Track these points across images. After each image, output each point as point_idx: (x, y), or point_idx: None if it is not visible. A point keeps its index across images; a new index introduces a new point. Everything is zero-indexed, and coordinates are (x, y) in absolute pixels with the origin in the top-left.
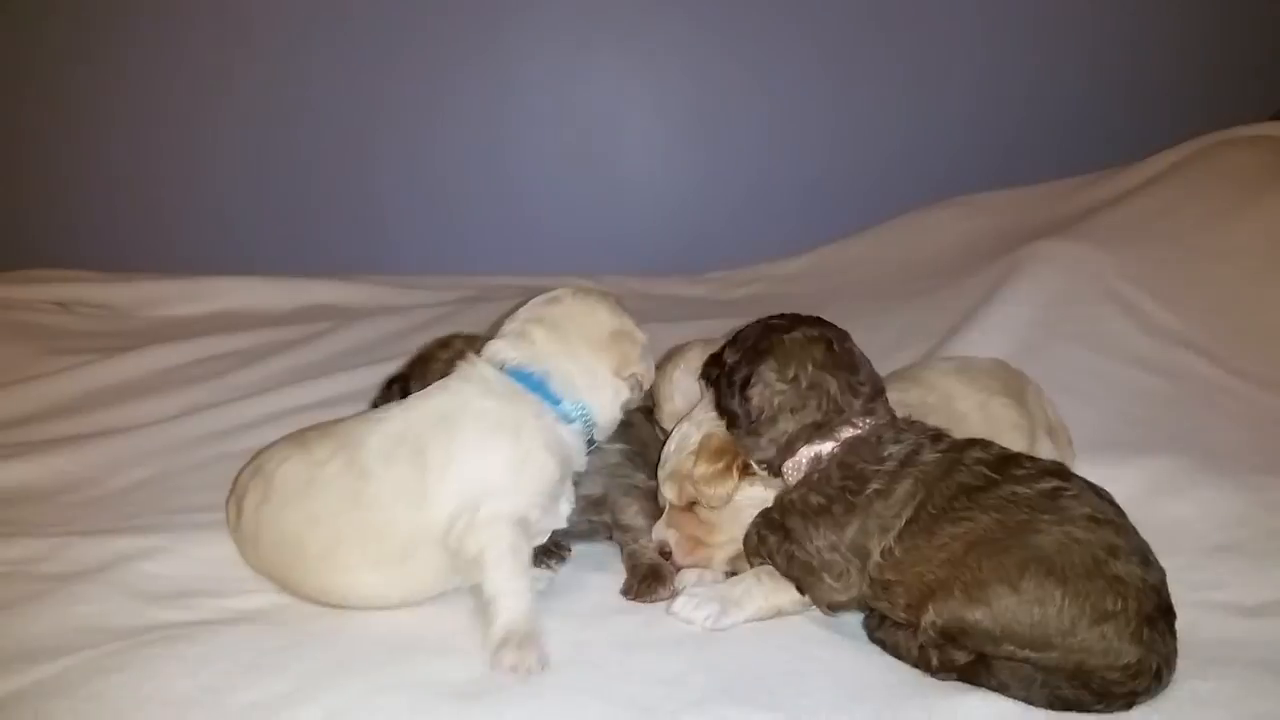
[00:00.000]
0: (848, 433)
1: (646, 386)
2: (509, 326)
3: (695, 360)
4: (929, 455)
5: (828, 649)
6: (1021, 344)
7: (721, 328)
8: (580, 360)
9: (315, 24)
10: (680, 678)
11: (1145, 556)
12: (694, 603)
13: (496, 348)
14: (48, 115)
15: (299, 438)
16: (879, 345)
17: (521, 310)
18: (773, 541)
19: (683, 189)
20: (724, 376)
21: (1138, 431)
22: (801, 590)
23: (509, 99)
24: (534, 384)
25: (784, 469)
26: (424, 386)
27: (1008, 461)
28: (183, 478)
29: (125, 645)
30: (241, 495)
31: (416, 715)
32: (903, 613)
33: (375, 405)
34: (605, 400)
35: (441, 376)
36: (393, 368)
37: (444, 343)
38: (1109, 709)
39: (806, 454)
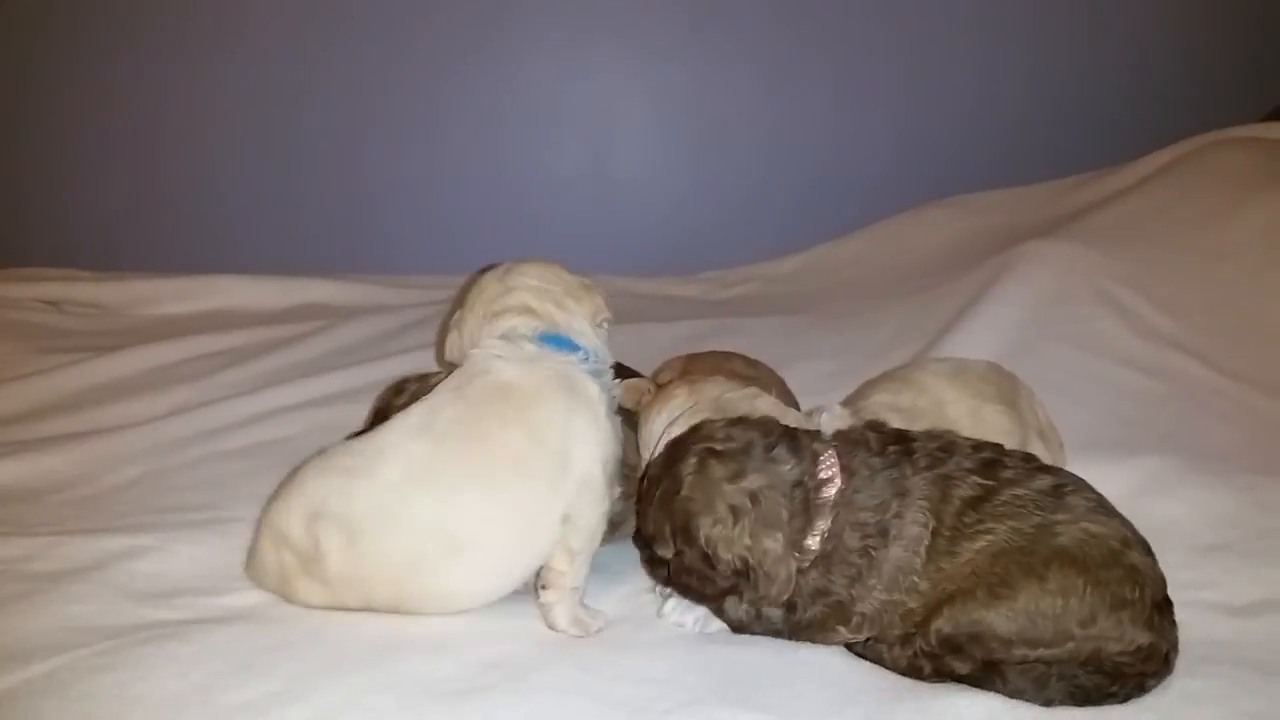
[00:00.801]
0: (828, 492)
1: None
2: (494, 307)
3: (678, 408)
4: (917, 480)
5: (818, 652)
6: (1013, 344)
7: (714, 328)
8: (570, 312)
9: (308, 20)
10: (672, 679)
11: (1147, 546)
12: (685, 605)
13: (511, 323)
14: (39, 114)
15: (334, 469)
16: (873, 345)
17: (495, 285)
18: (768, 624)
19: (676, 188)
20: (684, 574)
21: (1129, 431)
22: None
23: (502, 97)
24: (563, 343)
25: (800, 565)
26: None
27: (990, 466)
28: (174, 476)
29: (116, 644)
30: (309, 554)
31: (406, 714)
32: (903, 630)
33: None
34: (599, 345)
35: None
36: (388, 366)
37: (397, 389)
38: (1122, 691)
39: (816, 531)
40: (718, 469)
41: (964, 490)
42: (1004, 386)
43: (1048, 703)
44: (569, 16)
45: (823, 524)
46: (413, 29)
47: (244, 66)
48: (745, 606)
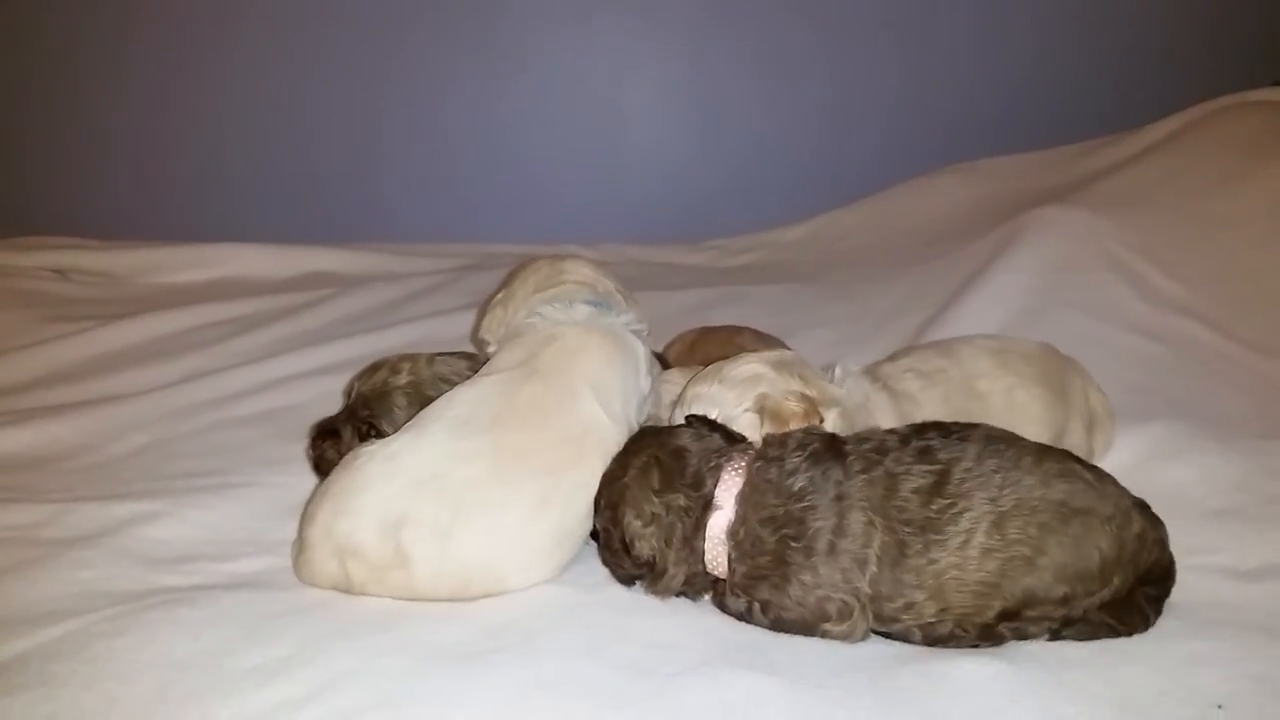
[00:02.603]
0: (725, 496)
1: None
2: (562, 279)
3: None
4: (853, 479)
5: None
6: (1022, 311)
7: (720, 296)
8: (611, 297)
9: None
10: (678, 642)
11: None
12: None
13: (561, 294)
14: (45, 82)
15: (402, 474)
16: (880, 312)
17: (530, 278)
18: (759, 618)
19: (682, 157)
20: (605, 549)
21: (1138, 398)
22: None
23: (508, 66)
24: (607, 307)
25: (710, 570)
26: (391, 419)
27: (926, 452)
28: (183, 443)
29: (126, 610)
30: (388, 563)
31: (416, 678)
32: (929, 619)
33: (318, 449)
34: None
35: (408, 400)
36: (396, 334)
37: (393, 369)
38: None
39: (712, 543)
40: (655, 477)
41: (915, 482)
42: (1049, 369)
43: (1129, 631)
44: None
45: (718, 519)
46: (423, 2)
47: (252, 34)
48: (743, 600)
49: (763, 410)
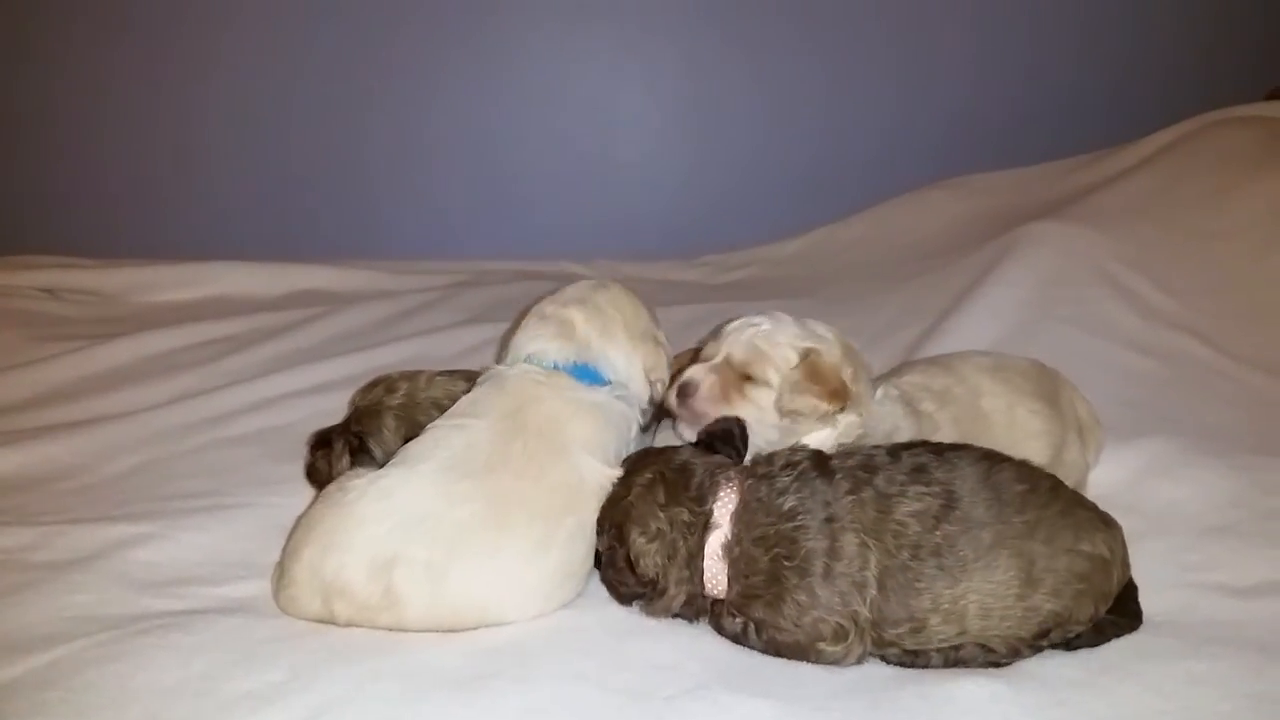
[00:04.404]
0: (722, 515)
1: (658, 399)
2: (548, 310)
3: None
4: (841, 500)
5: None
6: (1015, 325)
7: (714, 312)
8: (618, 345)
9: (305, 7)
10: (675, 665)
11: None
12: None
13: (542, 352)
14: (36, 99)
15: (395, 513)
16: (875, 327)
17: (563, 292)
18: (754, 640)
19: (676, 172)
20: (609, 568)
21: (1132, 413)
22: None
23: (501, 81)
24: (586, 374)
25: (708, 591)
26: (380, 439)
27: (918, 472)
28: (175, 464)
29: (118, 634)
30: (376, 603)
31: (410, 704)
32: (945, 641)
33: (311, 457)
34: (636, 381)
35: (397, 422)
36: (388, 351)
37: (389, 387)
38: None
39: (710, 562)
40: (660, 492)
41: (913, 504)
42: (1044, 384)
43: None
44: (566, 2)
45: (714, 539)
46: (411, 15)
47: (240, 51)
48: (739, 620)
49: (806, 357)
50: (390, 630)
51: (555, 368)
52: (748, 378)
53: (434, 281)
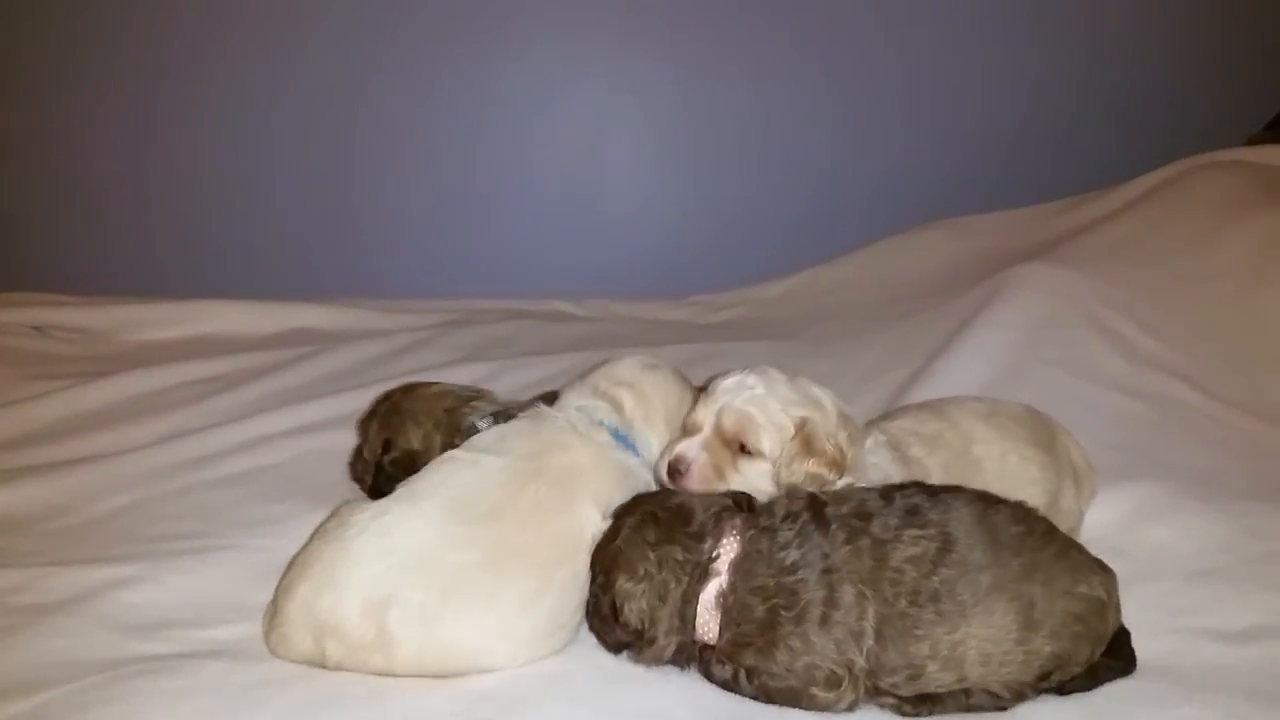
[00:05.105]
0: (722, 561)
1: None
2: (601, 385)
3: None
4: (838, 550)
5: None
6: (1004, 368)
7: (703, 352)
8: (656, 431)
9: (295, 44)
10: (666, 712)
11: None
12: None
13: (595, 406)
14: (23, 136)
15: (395, 551)
16: (863, 368)
17: (615, 368)
18: (745, 686)
19: (665, 213)
20: (593, 616)
21: (1121, 457)
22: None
23: (492, 123)
24: (627, 443)
25: (698, 637)
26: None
27: (912, 514)
28: (163, 505)
29: (103, 679)
30: (368, 642)
31: None
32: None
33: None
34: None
35: (443, 422)
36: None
37: (454, 398)
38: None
39: (703, 609)
40: (651, 533)
41: (909, 550)
42: (1038, 430)
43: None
44: (557, 41)
45: (710, 587)
46: (401, 55)
47: (233, 88)
48: (729, 667)
49: (801, 428)
50: (379, 675)
51: (601, 424)
52: (741, 447)
53: (424, 320)
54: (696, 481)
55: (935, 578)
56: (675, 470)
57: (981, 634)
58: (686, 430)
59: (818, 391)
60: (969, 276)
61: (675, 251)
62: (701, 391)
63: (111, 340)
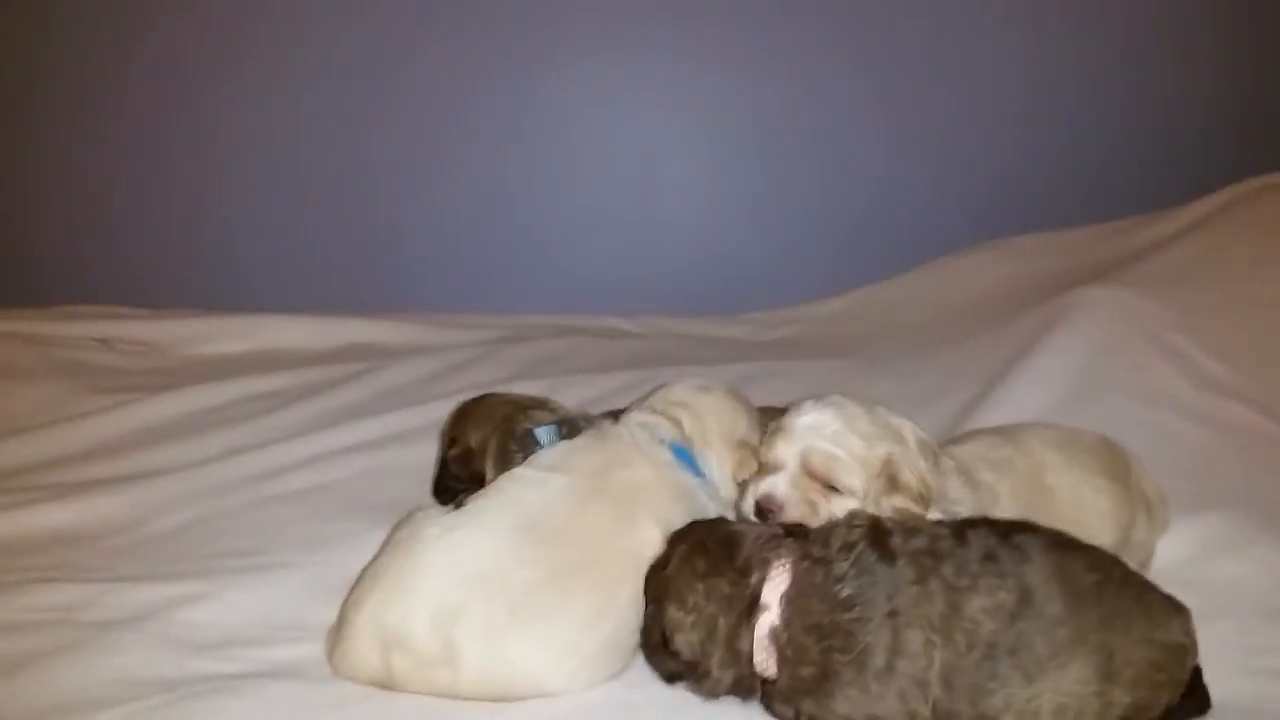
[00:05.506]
0: (772, 595)
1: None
2: (658, 406)
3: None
4: (905, 591)
5: None
6: (1070, 395)
7: (759, 371)
8: (714, 450)
9: (339, 56)
10: None
11: None
12: None
13: (657, 423)
14: (90, 153)
15: (465, 565)
16: (922, 390)
17: (670, 391)
18: None
19: (719, 228)
20: (647, 645)
21: (1190, 486)
22: None
23: (547, 137)
24: (688, 460)
25: (757, 671)
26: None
27: (988, 562)
28: (225, 521)
29: (168, 698)
30: (435, 657)
31: None
32: None
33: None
34: (725, 486)
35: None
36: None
37: (513, 405)
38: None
39: (758, 645)
40: (700, 563)
41: (986, 600)
42: (1113, 461)
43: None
44: (614, 55)
45: (764, 621)
46: (453, 67)
47: (286, 106)
48: (790, 709)
49: (886, 465)
50: (442, 695)
51: (663, 441)
52: (829, 486)
53: (477, 336)
54: (789, 515)
55: (1013, 630)
56: (765, 510)
57: (1059, 687)
58: (766, 468)
59: (897, 421)
60: (1026, 297)
61: (729, 267)
62: (766, 413)
63: (173, 354)
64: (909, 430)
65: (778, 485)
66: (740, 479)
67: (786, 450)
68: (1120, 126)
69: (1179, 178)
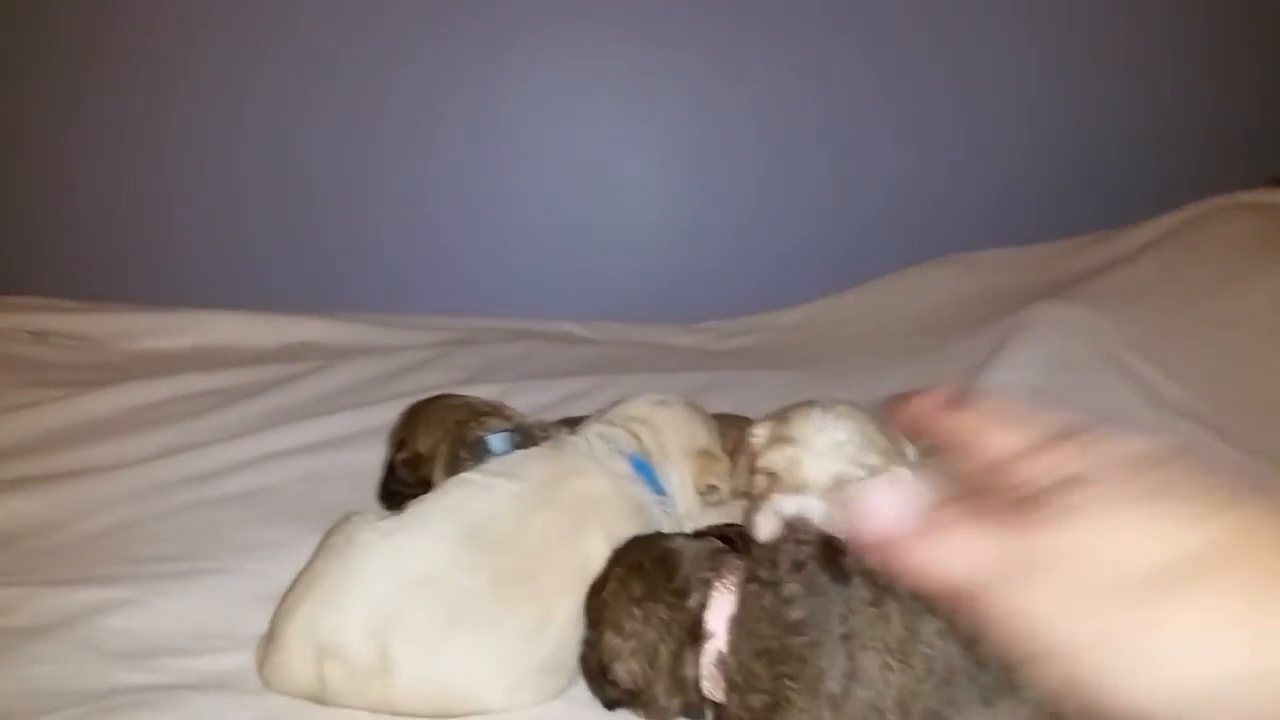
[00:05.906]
0: (716, 620)
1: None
2: (616, 418)
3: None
4: (859, 613)
5: None
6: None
7: (714, 380)
8: (674, 464)
9: (300, 62)
10: None
11: None
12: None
13: (615, 435)
14: (22, 137)
15: (402, 571)
16: (878, 403)
17: (627, 406)
18: None
19: (675, 236)
20: (586, 670)
21: None
22: None
23: (501, 141)
24: (648, 473)
25: (705, 695)
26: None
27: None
28: (156, 524)
29: (87, 711)
30: (370, 667)
31: None
32: None
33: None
34: (686, 500)
35: (452, 433)
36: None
37: (467, 410)
38: None
39: (706, 669)
40: (636, 587)
41: (945, 621)
42: None
43: None
44: (567, 63)
45: (710, 648)
46: (411, 73)
47: (242, 96)
48: None
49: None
50: (376, 711)
51: (622, 453)
52: None
53: (429, 338)
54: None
55: (971, 653)
56: (794, 529)
57: (1018, 711)
58: (781, 485)
59: (895, 433)
60: (985, 312)
61: (685, 275)
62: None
63: (109, 348)
64: (905, 442)
65: (814, 508)
66: (704, 485)
67: (816, 469)
68: (1079, 143)
69: (1139, 196)
